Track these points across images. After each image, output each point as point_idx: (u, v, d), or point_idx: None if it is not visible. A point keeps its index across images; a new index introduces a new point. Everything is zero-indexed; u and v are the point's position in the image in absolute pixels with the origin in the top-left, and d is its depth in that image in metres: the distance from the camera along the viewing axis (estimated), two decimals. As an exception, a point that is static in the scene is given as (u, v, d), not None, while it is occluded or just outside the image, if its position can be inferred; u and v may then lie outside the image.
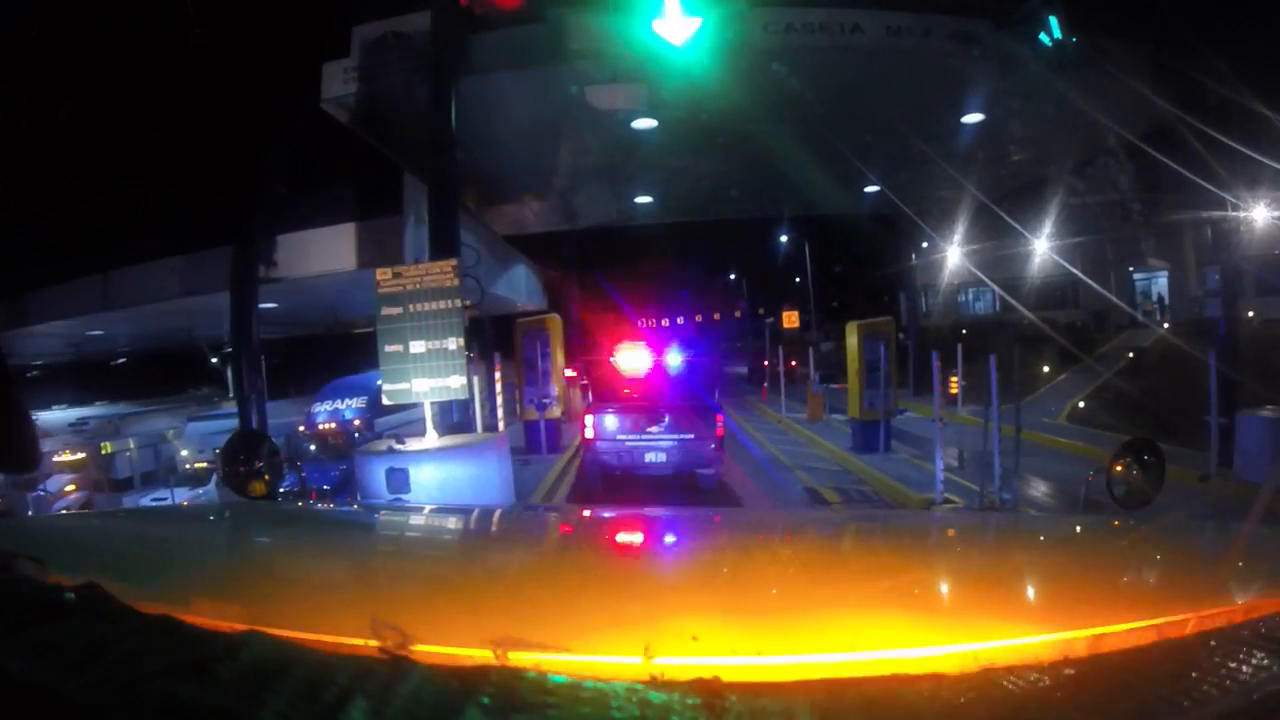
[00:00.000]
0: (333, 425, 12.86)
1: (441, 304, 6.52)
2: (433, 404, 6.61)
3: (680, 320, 51.04)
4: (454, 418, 7.43)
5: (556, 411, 10.73)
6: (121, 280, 11.38)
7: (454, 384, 6.45)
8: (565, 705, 0.51)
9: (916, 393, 15.15)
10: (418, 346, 6.49)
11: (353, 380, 14.50)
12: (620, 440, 7.78)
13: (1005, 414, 11.51)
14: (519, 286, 15.64)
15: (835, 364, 15.94)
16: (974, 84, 8.65)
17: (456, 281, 6.54)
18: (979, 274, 19.29)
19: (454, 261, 6.66)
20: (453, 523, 1.68)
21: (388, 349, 6.58)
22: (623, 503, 7.35)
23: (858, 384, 9.79)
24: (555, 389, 10.72)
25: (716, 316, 54.73)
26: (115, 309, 11.68)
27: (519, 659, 0.58)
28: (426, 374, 6.53)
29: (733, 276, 52.78)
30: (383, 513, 2.14)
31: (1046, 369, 15.95)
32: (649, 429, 7.75)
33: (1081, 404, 13.59)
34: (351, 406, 13.55)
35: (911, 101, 9.11)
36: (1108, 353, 16.98)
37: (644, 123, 9.15)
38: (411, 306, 6.59)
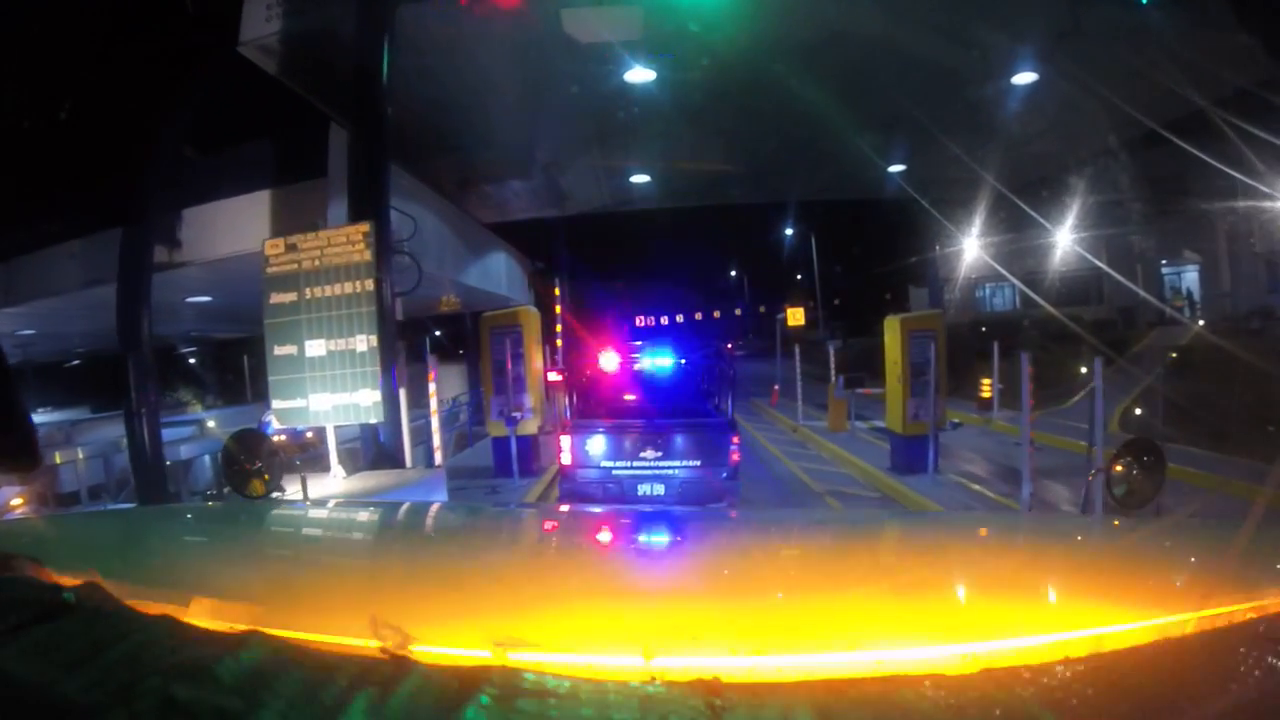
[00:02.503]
0: (282, 437, 11.86)
1: (349, 287, 4.87)
2: (354, 428, 5.36)
3: (680, 318, 50.93)
4: (381, 438, 5.88)
5: (532, 426, 8.89)
6: (20, 270, 9.44)
7: (365, 400, 4.84)
8: (565, 705, 0.51)
9: (915, 393, 14.62)
10: (316, 347, 4.88)
11: None
12: (606, 468, 6.29)
13: (1038, 419, 10.75)
14: (498, 278, 14.00)
15: (841, 365, 15.61)
16: (1037, 28, 7.55)
17: (369, 255, 4.86)
18: (999, 268, 18.34)
19: (365, 227, 4.99)
20: (453, 522, 1.68)
21: (278, 351, 4.98)
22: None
23: (900, 390, 8.19)
24: (530, 398, 8.86)
25: (717, 314, 54.67)
26: (19, 304, 9.80)
27: (519, 659, 0.58)
28: (328, 386, 4.88)
29: (734, 273, 52.82)
30: (383, 512, 2.14)
31: (1084, 370, 14.96)
32: (643, 453, 6.26)
33: (1128, 411, 12.13)
34: None
35: (961, 52, 7.86)
36: (1143, 352, 15.90)
37: (639, 75, 7.76)
38: (309, 291, 4.92)
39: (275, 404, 5.09)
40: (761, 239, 40.78)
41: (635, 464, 6.27)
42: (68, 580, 0.70)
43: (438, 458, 7.79)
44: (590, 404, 7.41)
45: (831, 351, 13.61)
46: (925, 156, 11.56)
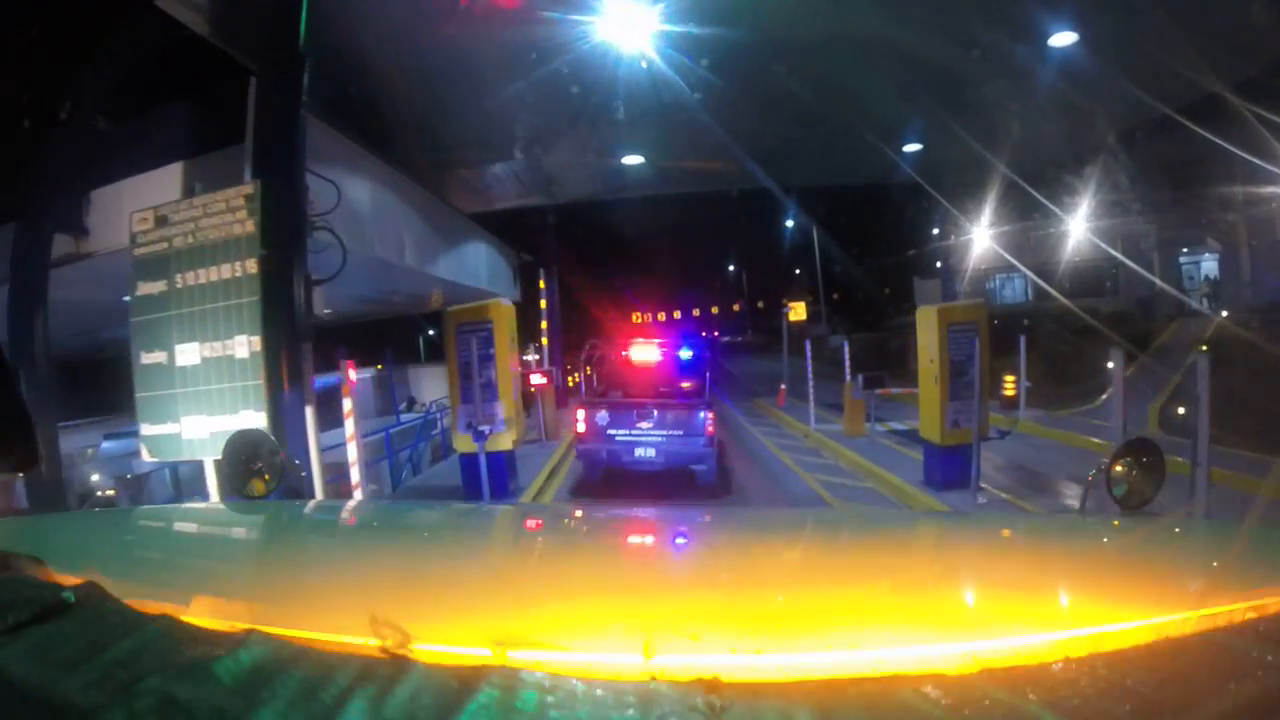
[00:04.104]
0: None
1: (227, 270, 3.82)
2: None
3: (677, 314, 50.91)
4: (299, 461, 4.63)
5: (507, 440, 7.50)
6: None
7: (246, 425, 3.67)
8: (565, 704, 0.51)
9: (955, 396, 13.06)
10: (188, 353, 3.86)
11: None
12: (611, 435, 7.93)
13: (1068, 419, 9.88)
14: (477, 270, 12.73)
15: (841, 362, 14.87)
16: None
17: (252, 226, 3.84)
18: (1010, 258, 17.62)
19: (249, 188, 3.95)
20: (453, 521, 1.68)
21: (145, 359, 3.97)
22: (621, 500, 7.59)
23: (936, 393, 7.17)
24: (503, 407, 7.41)
25: (715, 310, 54.70)
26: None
27: (519, 659, 0.58)
28: (204, 405, 3.83)
29: (732, 268, 52.80)
30: (383, 512, 2.14)
31: (1110, 365, 13.87)
32: (639, 425, 7.91)
33: (1166, 410, 10.96)
34: None
35: (994, 12, 7.15)
36: (1166, 346, 14.96)
37: (630, 31, 6.91)
38: (180, 278, 3.92)
39: (143, 429, 4.05)
40: (760, 233, 40.71)
41: (633, 432, 7.87)
42: (68, 580, 0.70)
43: (357, 495, 6.14)
44: (598, 386, 9.27)
45: (845, 348, 12.24)
46: (939, 137, 10.93)
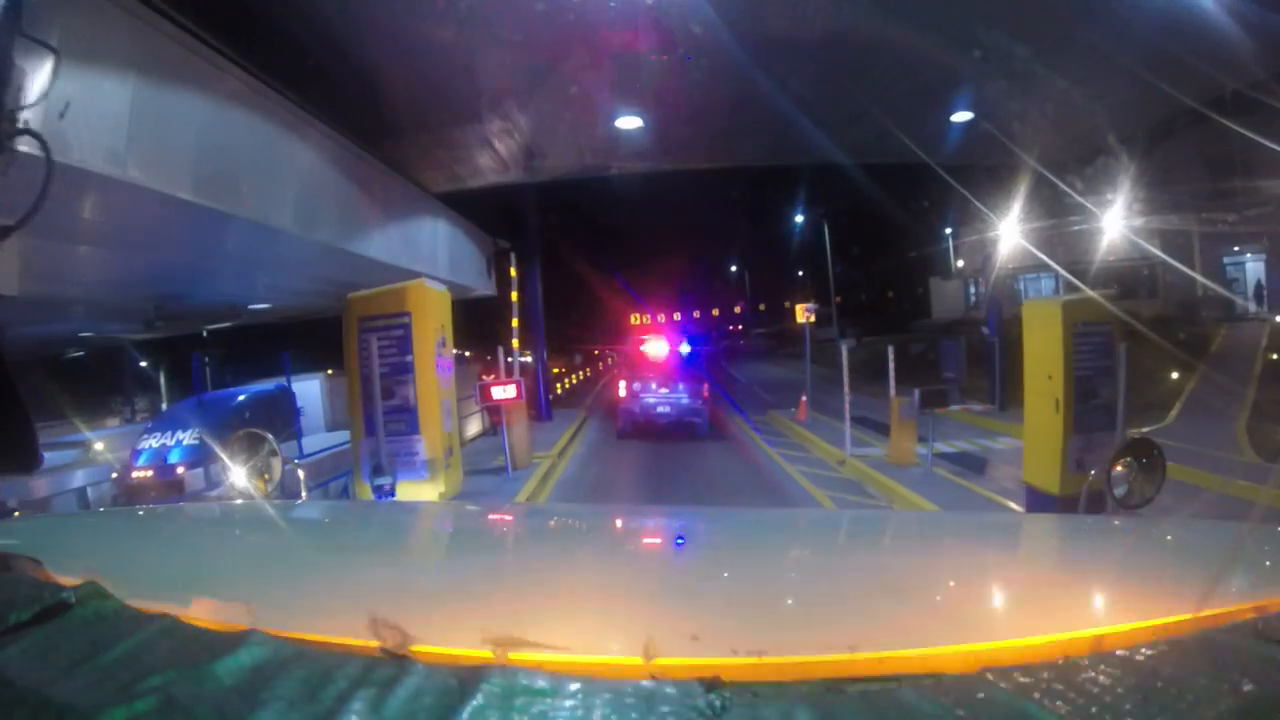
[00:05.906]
0: (149, 474, 8.15)
1: None
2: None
3: (677, 316, 50.84)
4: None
5: (431, 492, 4.63)
6: None
7: None
8: (565, 705, 0.51)
9: (1080, 427, 9.10)
10: None
11: (207, 400, 9.88)
12: (643, 398, 12.19)
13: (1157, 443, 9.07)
14: (431, 254, 10.67)
15: (850, 368, 13.76)
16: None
17: None
18: (1042, 256, 16.39)
19: None
20: (453, 522, 1.68)
21: None
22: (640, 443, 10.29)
23: (1057, 422, 4.98)
24: (426, 441, 4.68)
25: (715, 312, 54.76)
26: None
27: (519, 659, 0.58)
28: None
29: (734, 269, 52.78)
30: (383, 512, 2.14)
31: (1175, 377, 12.05)
32: (660, 391, 12.19)
33: (1256, 429, 9.14)
34: (183, 443, 8.25)
35: None
36: (1223, 354, 13.52)
37: None
38: None
39: None
40: (764, 232, 40.50)
41: (657, 397, 12.16)
42: (68, 580, 0.70)
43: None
44: (631, 367, 13.57)
45: (890, 355, 9.81)
46: (976, 111, 9.73)
